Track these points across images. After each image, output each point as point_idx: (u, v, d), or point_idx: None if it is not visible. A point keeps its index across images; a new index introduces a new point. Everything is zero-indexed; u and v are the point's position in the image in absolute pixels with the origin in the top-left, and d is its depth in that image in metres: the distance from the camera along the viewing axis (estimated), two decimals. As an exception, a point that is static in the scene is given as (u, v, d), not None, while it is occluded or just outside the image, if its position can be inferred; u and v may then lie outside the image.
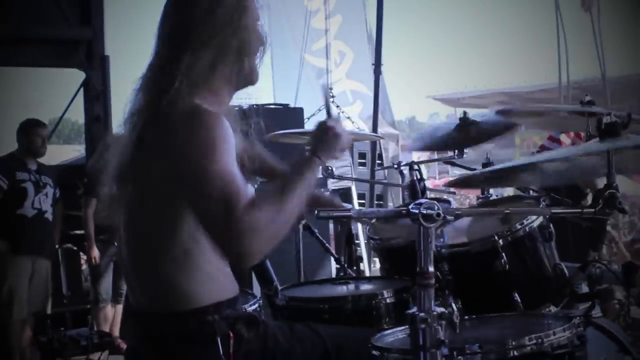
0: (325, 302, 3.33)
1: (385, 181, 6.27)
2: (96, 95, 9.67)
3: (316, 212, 2.19)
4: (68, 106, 10.02)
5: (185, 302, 2.56)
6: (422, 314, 2.03)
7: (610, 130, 2.39)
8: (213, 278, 2.62)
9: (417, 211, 1.98)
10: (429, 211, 1.98)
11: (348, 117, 14.43)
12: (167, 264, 2.55)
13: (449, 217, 2.02)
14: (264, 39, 2.76)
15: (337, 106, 14.10)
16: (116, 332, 8.38)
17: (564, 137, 8.93)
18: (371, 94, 13.56)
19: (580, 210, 2.24)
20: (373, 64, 11.31)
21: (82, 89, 9.88)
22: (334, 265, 6.30)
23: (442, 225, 2.11)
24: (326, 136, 2.70)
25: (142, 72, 2.68)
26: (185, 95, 2.49)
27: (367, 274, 8.02)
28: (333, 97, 13.89)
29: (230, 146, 2.44)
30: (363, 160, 11.47)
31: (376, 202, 11.24)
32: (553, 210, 2.80)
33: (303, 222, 4.34)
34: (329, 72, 14.99)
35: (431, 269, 2.04)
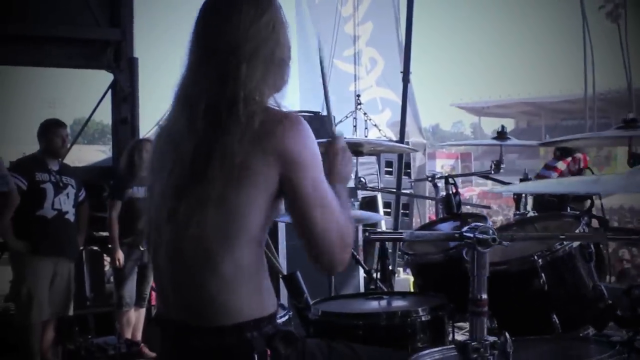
0: (360, 318, 3.28)
1: (418, 194, 6.15)
2: (124, 97, 9.63)
3: (367, 234, 2.16)
4: (96, 107, 9.99)
5: (227, 317, 2.51)
6: (474, 344, 1.96)
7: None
8: (257, 293, 2.57)
9: (471, 235, 1.91)
10: (484, 235, 1.90)
11: (375, 125, 14.37)
12: (216, 277, 2.49)
13: (505, 243, 1.95)
14: (290, 58, 2.76)
15: (365, 113, 14.08)
16: (138, 337, 8.36)
17: (560, 164, 8.87)
18: (399, 102, 13.52)
19: (637, 236, 2.15)
20: (402, 72, 11.23)
21: (109, 91, 9.83)
22: (361, 276, 6.24)
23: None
24: (336, 167, 2.83)
25: (182, 79, 2.68)
26: (260, 102, 2.54)
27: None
28: (361, 104, 13.86)
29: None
30: (390, 169, 11.41)
31: (402, 210, 11.16)
32: (609, 236, 2.71)
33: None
34: (358, 79, 14.94)
35: (484, 296, 1.97)
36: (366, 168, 11.20)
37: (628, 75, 62.17)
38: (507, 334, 1.96)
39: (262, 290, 2.59)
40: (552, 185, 3.03)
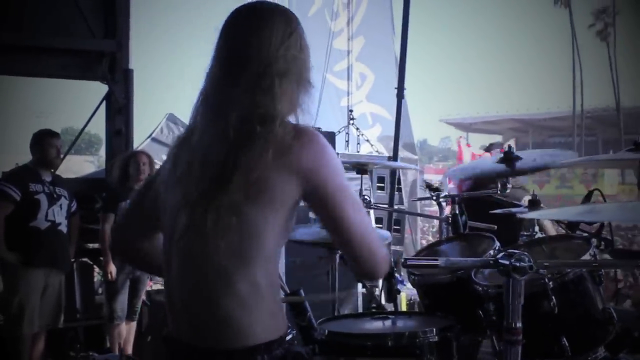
0: (367, 339, 3.23)
1: (416, 211, 6.07)
2: (118, 108, 9.57)
3: (403, 260, 2.13)
4: (90, 118, 9.91)
5: (239, 340, 2.45)
6: None
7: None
8: (270, 315, 2.52)
9: (507, 262, 1.87)
10: (521, 264, 1.86)
11: (367, 140, 14.36)
12: (231, 295, 2.44)
13: (541, 271, 1.90)
14: (310, 76, 2.75)
15: (357, 128, 14.06)
16: (129, 350, 8.30)
17: None
18: (390, 118, 13.48)
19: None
20: (396, 88, 11.20)
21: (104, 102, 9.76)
22: (360, 294, 6.20)
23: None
24: None
25: (208, 89, 2.65)
26: (289, 118, 2.56)
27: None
28: (353, 119, 13.85)
29: None
30: (382, 185, 11.35)
31: (394, 226, 11.11)
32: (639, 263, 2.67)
33: (340, 252, 4.24)
34: (350, 94, 14.95)
35: (519, 324, 1.92)
36: (357, 184, 11.15)
37: (616, 94, 62.64)
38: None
39: (274, 311, 2.55)
40: (565, 212, 2.98)
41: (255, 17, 2.66)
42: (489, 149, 7.20)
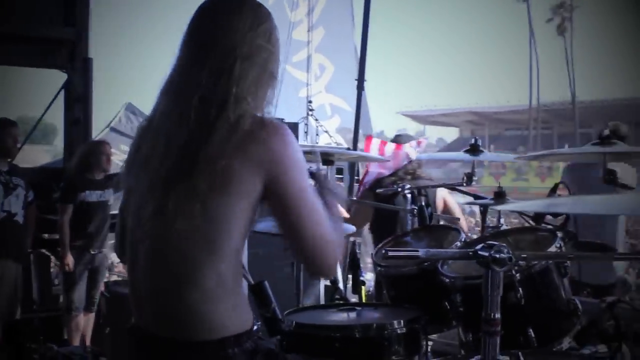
0: (335, 330, 3.22)
1: (393, 206, 6.07)
2: (77, 98, 9.46)
3: (384, 251, 2.12)
4: (48, 107, 9.80)
5: (207, 332, 2.44)
6: None
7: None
8: (237, 308, 2.51)
9: (486, 254, 1.87)
10: (501, 255, 1.86)
11: (326, 131, 14.34)
12: (197, 288, 2.42)
13: (520, 262, 1.90)
14: (278, 68, 2.75)
15: (316, 119, 14.04)
16: (87, 342, 8.23)
17: None
18: (349, 109, 13.47)
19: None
20: (356, 79, 11.20)
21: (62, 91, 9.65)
22: (322, 285, 6.18)
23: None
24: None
25: (173, 74, 2.65)
26: (251, 107, 2.52)
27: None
28: (312, 110, 13.82)
29: None
30: (340, 176, 11.34)
31: (353, 218, 11.10)
32: (616, 256, 2.69)
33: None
34: (309, 85, 14.91)
35: (498, 315, 1.92)
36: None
37: (572, 88, 63.43)
38: (520, 354, 1.92)
39: (241, 303, 2.55)
40: (536, 204, 2.99)
41: (225, 5, 2.67)
42: (396, 140, 7.19)
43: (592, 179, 6.44)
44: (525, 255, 2.06)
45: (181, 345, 2.45)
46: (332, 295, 4.62)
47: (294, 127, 8.13)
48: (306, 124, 13.82)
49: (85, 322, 8.32)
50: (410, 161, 6.44)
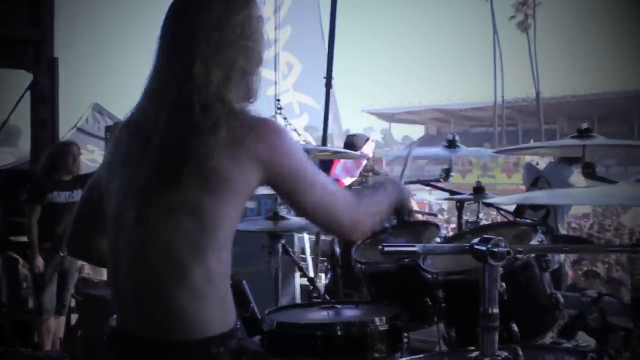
0: (317, 329, 3.20)
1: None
2: (43, 98, 9.35)
3: (380, 247, 2.10)
4: (14, 108, 9.67)
5: (193, 331, 2.39)
6: (487, 359, 1.90)
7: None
8: (222, 306, 2.47)
9: (483, 248, 1.84)
10: (498, 249, 1.84)
11: (295, 130, 14.33)
12: (185, 286, 2.38)
13: (519, 256, 1.88)
14: (262, 56, 2.71)
15: (285, 118, 14.01)
16: (57, 346, 8.14)
17: None
18: (318, 107, 13.45)
19: (633, 248, 2.12)
20: (324, 77, 11.20)
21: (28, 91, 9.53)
22: (297, 283, 6.17)
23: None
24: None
25: (150, 72, 2.60)
26: (225, 106, 2.46)
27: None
28: (280, 109, 13.80)
29: None
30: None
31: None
32: (608, 249, 2.68)
33: (282, 241, 4.22)
34: (277, 84, 14.88)
35: (496, 310, 1.90)
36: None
37: (536, 85, 63.98)
38: (519, 349, 1.90)
39: (226, 301, 2.50)
40: (516, 197, 2.99)
41: (194, 1, 2.62)
42: (351, 141, 7.25)
43: (566, 174, 6.58)
44: (522, 249, 2.04)
45: (166, 345, 2.41)
46: (310, 294, 4.60)
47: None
48: (275, 123, 13.80)
49: (56, 326, 8.22)
50: (368, 159, 6.51)
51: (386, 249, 2.01)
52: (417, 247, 2.03)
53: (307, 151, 4.42)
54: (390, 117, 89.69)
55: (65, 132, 12.31)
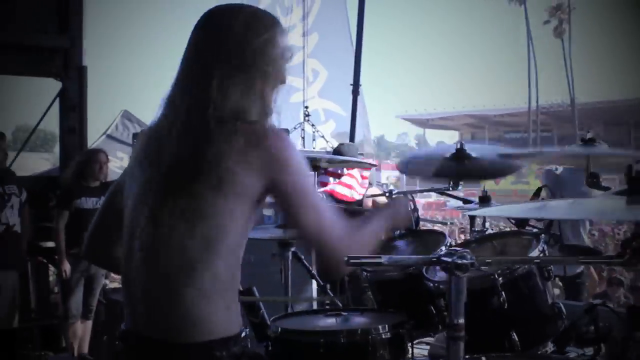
0: (320, 336, 3.24)
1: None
2: (72, 106, 9.49)
3: (347, 258, 2.16)
4: (43, 116, 9.84)
5: (198, 334, 2.46)
6: None
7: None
8: (228, 310, 2.54)
9: (449, 260, 1.90)
10: (463, 261, 1.90)
11: (322, 137, 14.37)
12: (194, 288, 2.45)
13: (483, 268, 1.94)
14: (285, 78, 2.78)
15: (312, 125, 14.06)
16: (85, 349, 8.25)
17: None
18: (344, 114, 13.47)
19: (608, 260, 2.16)
20: (351, 84, 11.24)
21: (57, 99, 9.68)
22: (314, 290, 6.19)
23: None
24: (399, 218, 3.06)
25: (173, 83, 2.70)
26: (235, 115, 2.56)
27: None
28: (308, 115, 13.86)
29: None
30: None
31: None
32: (581, 260, 2.73)
33: (293, 249, 4.27)
34: (305, 90, 14.93)
35: (461, 320, 1.96)
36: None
37: (571, 90, 63.43)
38: (483, 358, 1.96)
39: (232, 306, 2.57)
40: (511, 209, 3.02)
41: (219, 17, 2.72)
42: (339, 150, 7.34)
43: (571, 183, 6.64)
44: (489, 261, 2.09)
45: (170, 346, 2.48)
46: (323, 301, 4.65)
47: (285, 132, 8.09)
48: (302, 130, 13.86)
49: (82, 330, 8.33)
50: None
51: (351, 260, 2.07)
52: (383, 259, 2.08)
53: (316, 160, 4.50)
54: (424, 122, 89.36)
55: (94, 139, 12.46)
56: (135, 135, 10.30)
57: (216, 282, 2.47)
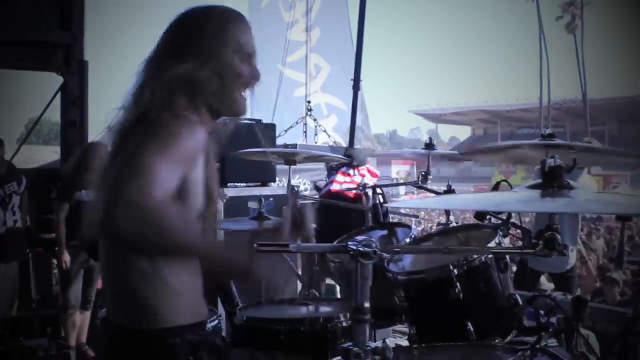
0: (282, 324, 3.35)
1: (358, 205, 6.21)
2: (73, 100, 9.62)
3: (256, 245, 2.22)
4: (45, 109, 9.98)
5: (149, 321, 2.51)
6: (356, 349, 2.08)
7: (553, 175, 2.49)
8: (180, 297, 2.56)
9: (354, 248, 2.03)
10: (366, 249, 2.03)
11: (324, 131, 14.48)
12: (134, 272, 2.50)
13: (385, 255, 2.06)
14: (248, 74, 2.75)
15: (315, 119, 14.18)
16: (83, 339, 8.36)
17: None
18: (346, 109, 13.56)
19: (520, 250, 2.29)
20: (352, 80, 11.30)
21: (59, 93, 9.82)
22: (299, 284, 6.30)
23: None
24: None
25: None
26: (162, 103, 2.52)
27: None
28: (310, 110, 13.97)
29: (183, 153, 2.43)
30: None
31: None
32: (492, 250, 2.86)
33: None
34: (307, 85, 15.05)
35: (367, 304, 2.09)
36: (317, 174, 11.26)
37: (583, 86, 63.01)
38: (386, 340, 2.09)
39: (187, 294, 2.60)
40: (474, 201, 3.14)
41: (179, 17, 2.76)
42: (348, 154, 7.49)
43: (573, 175, 6.68)
44: (397, 249, 2.22)
45: (128, 332, 2.55)
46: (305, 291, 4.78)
47: (270, 127, 8.10)
48: (305, 124, 13.97)
49: (81, 320, 8.42)
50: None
51: (260, 248, 2.17)
52: (291, 246, 2.19)
53: (292, 154, 4.61)
54: (436, 117, 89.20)
55: (95, 133, 12.57)
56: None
57: (155, 266, 2.50)
